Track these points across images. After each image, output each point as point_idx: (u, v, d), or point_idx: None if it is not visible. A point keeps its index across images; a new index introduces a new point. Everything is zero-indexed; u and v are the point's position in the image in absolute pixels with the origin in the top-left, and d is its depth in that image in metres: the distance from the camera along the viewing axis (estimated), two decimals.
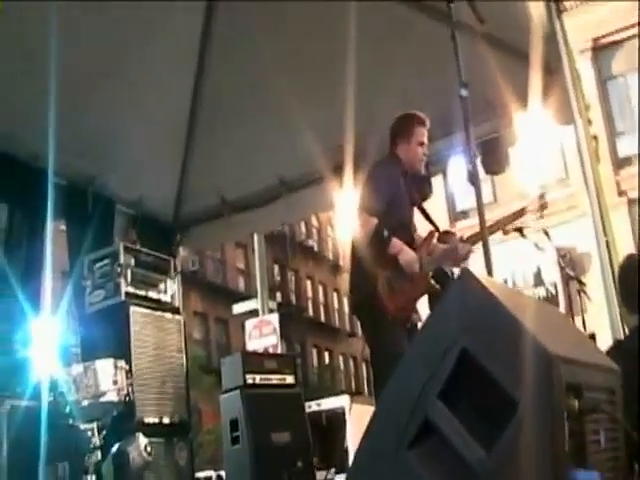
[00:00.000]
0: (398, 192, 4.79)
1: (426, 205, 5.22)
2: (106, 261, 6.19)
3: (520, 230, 4.89)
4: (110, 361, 4.83)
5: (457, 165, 6.94)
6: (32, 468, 4.70)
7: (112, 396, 4.80)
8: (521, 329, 2.01)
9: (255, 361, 6.76)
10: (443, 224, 3.50)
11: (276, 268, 30.30)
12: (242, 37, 6.48)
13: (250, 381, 6.48)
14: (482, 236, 3.71)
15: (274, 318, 12.37)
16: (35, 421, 4.84)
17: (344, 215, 8.10)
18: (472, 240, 4.66)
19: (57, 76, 5.63)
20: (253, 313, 13.63)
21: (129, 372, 5.04)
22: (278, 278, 30.99)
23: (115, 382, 4.82)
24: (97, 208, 7.35)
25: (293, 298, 32.02)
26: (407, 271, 4.51)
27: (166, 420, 6.05)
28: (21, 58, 5.83)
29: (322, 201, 7.91)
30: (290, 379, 6.83)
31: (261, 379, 6.57)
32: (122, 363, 4.94)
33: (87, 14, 5.74)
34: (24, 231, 6.70)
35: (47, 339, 6.03)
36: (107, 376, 4.78)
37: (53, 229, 6.87)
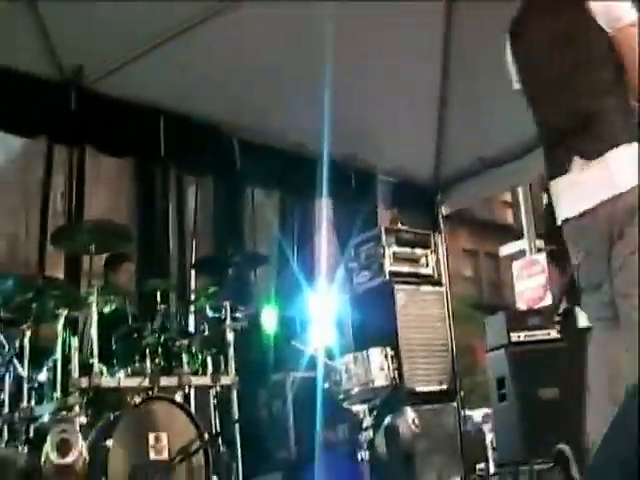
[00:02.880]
0: None
1: None
2: (370, 244, 6.66)
3: None
4: (377, 350, 5.22)
5: None
6: (313, 429, 5.27)
7: (381, 381, 5.20)
8: None
9: (519, 318, 6.89)
10: None
11: (545, 198, 29.40)
12: None
13: (515, 339, 6.62)
14: None
15: (542, 258, 12.19)
16: (312, 390, 5.41)
17: None
18: None
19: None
20: (522, 252, 13.50)
21: (395, 356, 5.41)
22: None
23: (382, 368, 5.21)
24: (360, 183, 7.74)
25: None
26: None
27: (433, 388, 6.41)
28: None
29: None
30: (555, 333, 6.84)
31: (525, 336, 6.67)
32: (388, 349, 5.31)
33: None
34: (295, 213, 7.29)
35: (323, 312, 6.62)
36: (376, 364, 5.18)
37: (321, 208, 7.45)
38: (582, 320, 4.62)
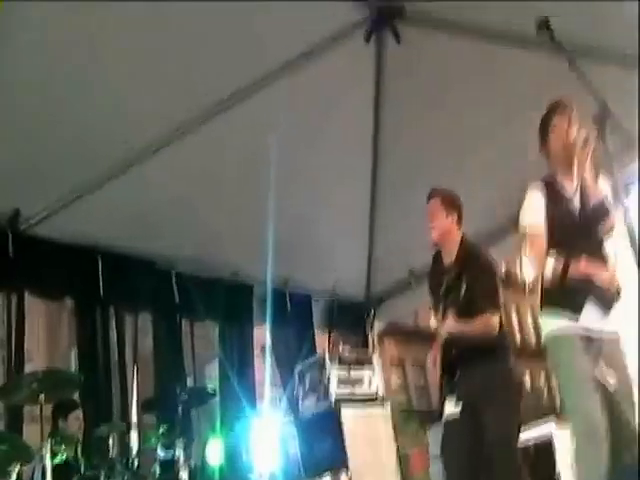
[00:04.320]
0: None
1: None
2: (314, 368, 6.72)
3: None
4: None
5: None
6: None
7: None
8: None
9: None
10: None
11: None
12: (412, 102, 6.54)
13: None
14: None
15: None
16: None
17: None
18: None
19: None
20: None
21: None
22: None
23: None
24: (294, 305, 7.86)
25: None
26: None
27: None
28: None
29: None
30: None
31: None
32: (343, 476, 5.33)
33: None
34: (234, 340, 7.30)
35: (268, 439, 6.58)
36: None
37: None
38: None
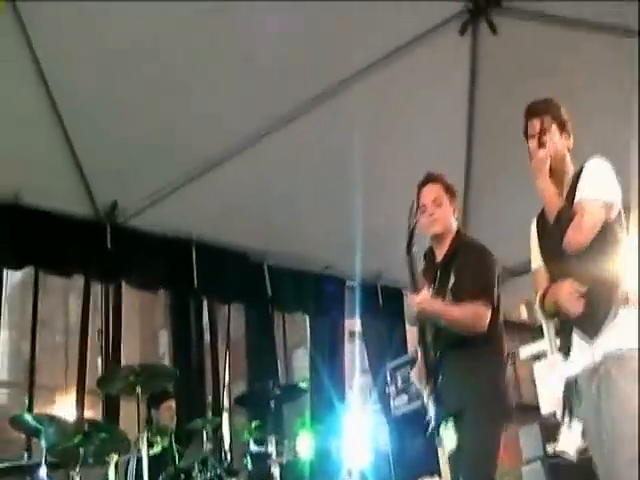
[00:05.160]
0: None
1: None
2: (406, 367, 6.65)
3: None
4: None
5: None
6: None
7: None
8: None
9: (553, 428, 6.72)
10: None
11: None
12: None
13: (551, 451, 6.44)
14: None
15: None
16: None
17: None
18: None
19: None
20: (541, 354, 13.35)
21: None
22: None
23: None
24: (386, 300, 7.78)
25: None
26: None
27: None
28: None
29: None
30: None
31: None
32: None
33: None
34: (325, 332, 7.29)
35: (359, 435, 6.54)
36: None
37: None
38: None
